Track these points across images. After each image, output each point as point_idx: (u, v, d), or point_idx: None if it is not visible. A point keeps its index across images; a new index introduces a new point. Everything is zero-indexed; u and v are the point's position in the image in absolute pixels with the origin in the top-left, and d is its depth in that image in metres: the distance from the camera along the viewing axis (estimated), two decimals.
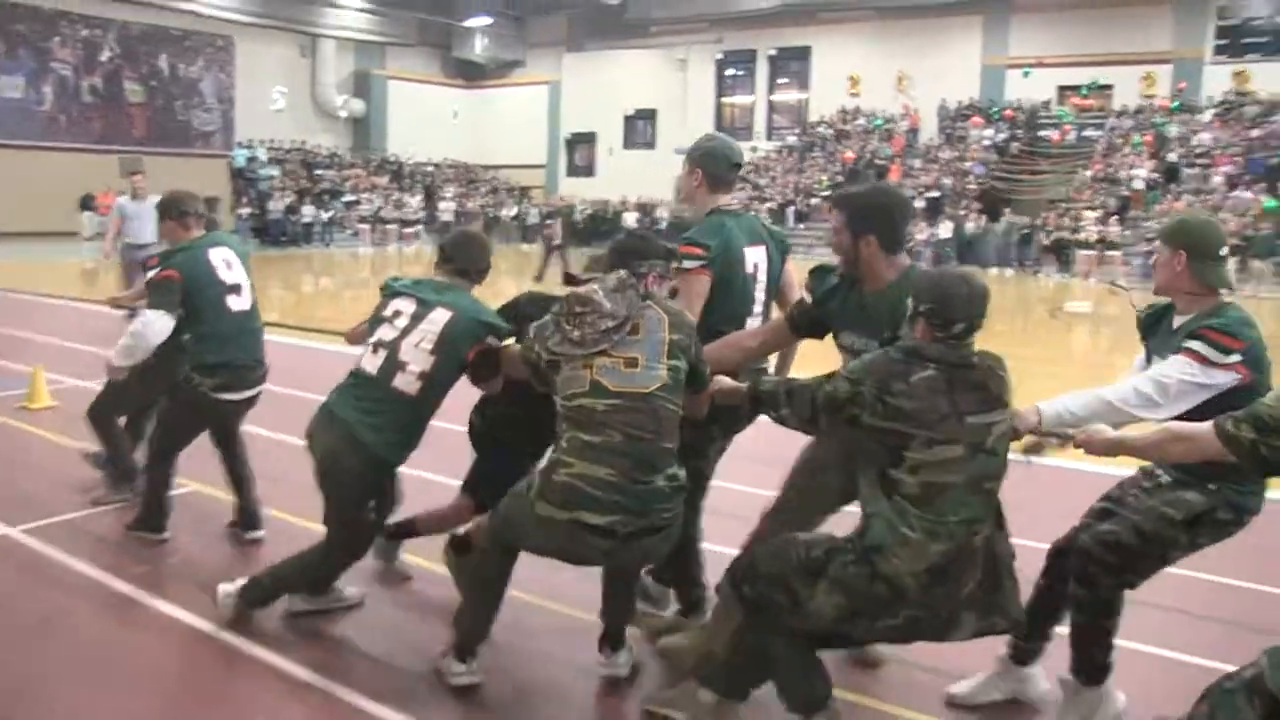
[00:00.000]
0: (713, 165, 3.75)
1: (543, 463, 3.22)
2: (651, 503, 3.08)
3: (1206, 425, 2.46)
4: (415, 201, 34.35)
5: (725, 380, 3.31)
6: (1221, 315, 2.99)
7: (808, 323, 3.48)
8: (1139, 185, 26.47)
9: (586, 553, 3.14)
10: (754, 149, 32.52)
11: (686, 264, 3.57)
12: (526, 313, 3.62)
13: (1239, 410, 2.40)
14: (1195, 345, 2.92)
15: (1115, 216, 25.69)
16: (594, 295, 3.16)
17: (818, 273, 3.48)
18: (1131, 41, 28.89)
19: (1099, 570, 3.14)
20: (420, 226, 33.21)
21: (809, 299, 3.48)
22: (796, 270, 3.95)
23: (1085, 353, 13.98)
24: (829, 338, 3.50)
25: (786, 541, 3.00)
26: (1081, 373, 10.71)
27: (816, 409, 2.87)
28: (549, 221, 22.37)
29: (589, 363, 3.10)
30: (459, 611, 3.48)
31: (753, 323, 3.74)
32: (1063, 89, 30.64)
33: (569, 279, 3.63)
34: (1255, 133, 26.50)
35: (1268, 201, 24.15)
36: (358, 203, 32.87)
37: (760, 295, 3.77)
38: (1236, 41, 28.70)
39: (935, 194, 28.15)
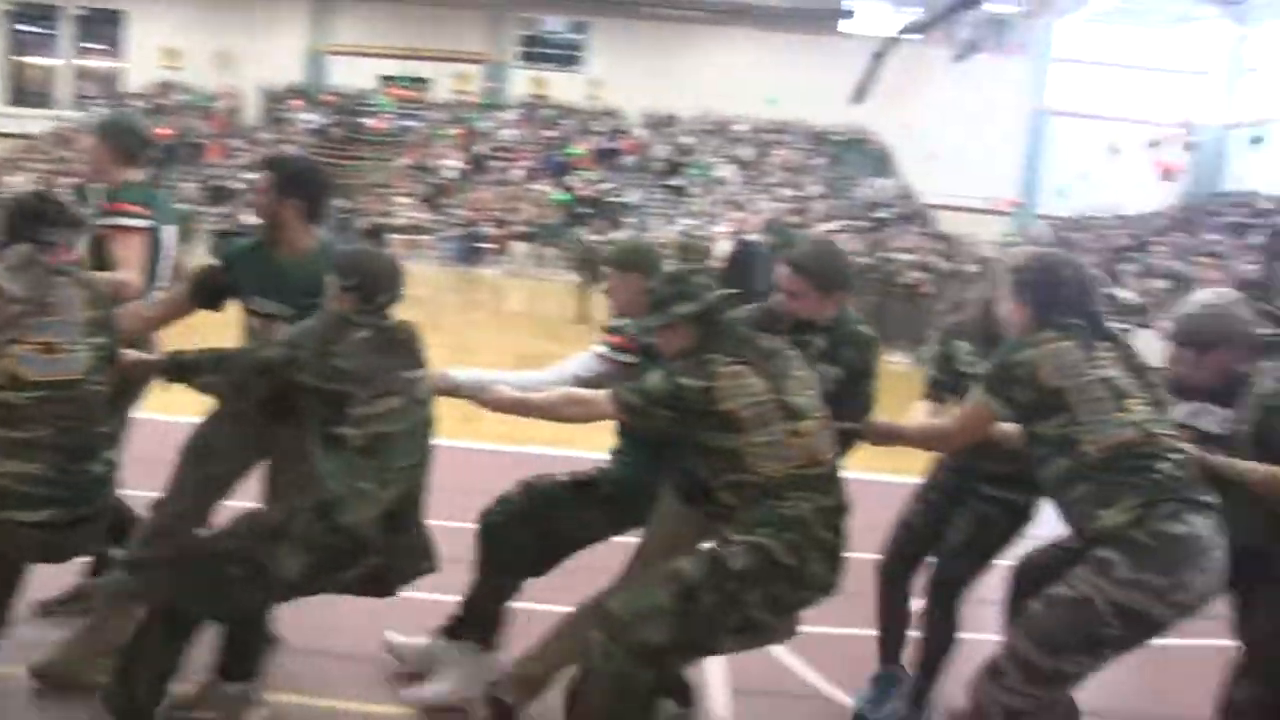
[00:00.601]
0: (123, 139, 3.71)
1: None
2: (89, 491, 2.94)
3: (605, 392, 2.92)
4: None
5: (132, 352, 3.20)
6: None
7: (213, 289, 3.45)
8: (450, 174, 28.53)
9: (23, 551, 2.95)
10: (58, 118, 29.44)
11: (130, 222, 3.51)
12: None
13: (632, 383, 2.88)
14: (599, 348, 3.35)
15: (427, 203, 27.34)
16: None
17: (224, 236, 3.53)
18: (448, 40, 30.90)
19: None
20: None
21: (216, 263, 3.50)
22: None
23: None
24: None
25: (234, 519, 3.01)
26: None
27: (248, 374, 2.96)
28: None
29: (2, 352, 2.80)
30: None
31: (158, 296, 3.68)
32: (385, 79, 31.81)
33: None
34: (549, 133, 29.91)
35: (556, 194, 27.38)
36: None
37: (168, 272, 3.76)
38: (536, 51, 32.24)
39: (256, 176, 27.52)
